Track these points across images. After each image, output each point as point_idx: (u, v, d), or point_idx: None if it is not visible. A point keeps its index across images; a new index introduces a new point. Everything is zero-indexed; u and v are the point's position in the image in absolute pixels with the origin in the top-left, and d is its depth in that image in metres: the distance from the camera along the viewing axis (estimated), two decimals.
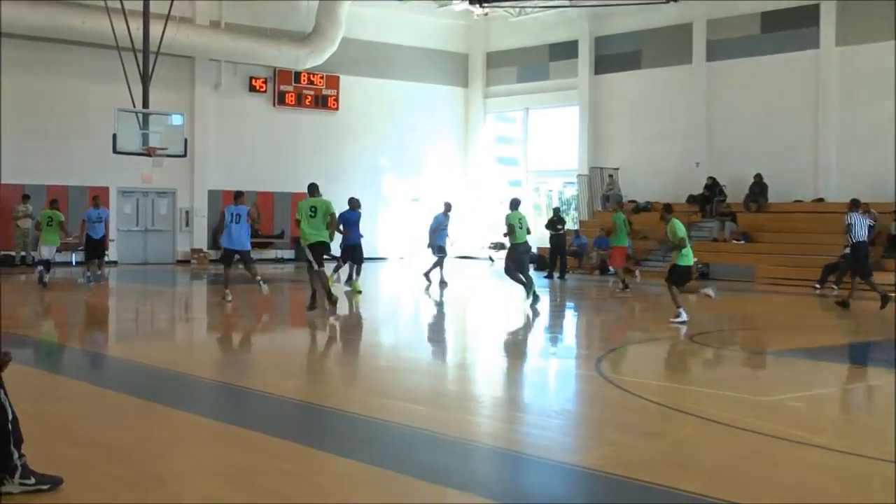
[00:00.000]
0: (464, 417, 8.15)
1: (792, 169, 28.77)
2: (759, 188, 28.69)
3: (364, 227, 28.56)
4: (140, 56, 24.87)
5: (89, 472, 6.14)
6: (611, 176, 33.05)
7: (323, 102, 34.46)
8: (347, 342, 13.84)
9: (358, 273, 21.08)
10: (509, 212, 18.66)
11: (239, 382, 9.64)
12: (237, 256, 18.24)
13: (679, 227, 15.34)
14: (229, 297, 18.34)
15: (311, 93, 34.15)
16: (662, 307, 16.86)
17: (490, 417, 8.22)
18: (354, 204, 21.72)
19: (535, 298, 18.10)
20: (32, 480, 5.60)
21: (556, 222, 26.86)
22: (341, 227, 20.34)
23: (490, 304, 20.52)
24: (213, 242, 19.93)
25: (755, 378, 10.86)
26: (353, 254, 21.12)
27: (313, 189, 17.09)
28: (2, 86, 28.34)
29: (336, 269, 21.11)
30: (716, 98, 30.84)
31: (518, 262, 18.50)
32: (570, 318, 17.86)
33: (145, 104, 24.97)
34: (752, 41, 29.98)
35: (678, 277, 15.34)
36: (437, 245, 23.52)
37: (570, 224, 34.72)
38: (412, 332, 15.37)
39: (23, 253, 28.20)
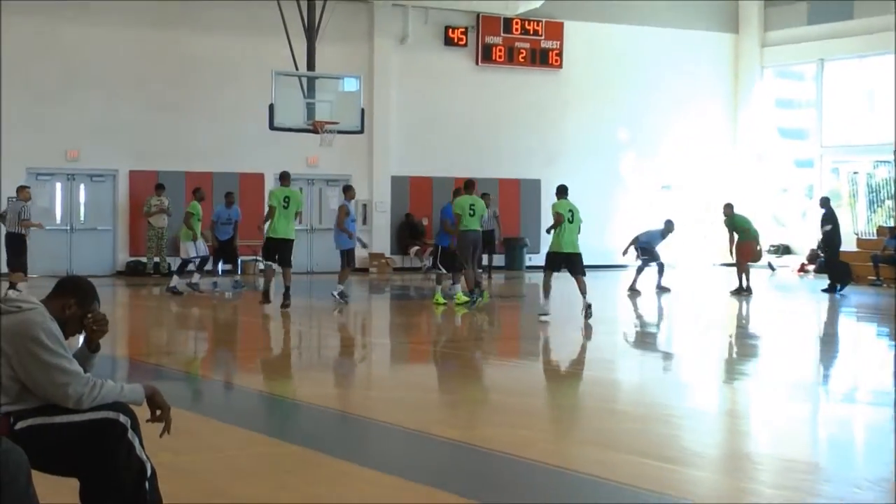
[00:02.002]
0: (733, 483, 7.97)
1: None
2: None
3: (596, 222, 28.65)
4: (304, 4, 25.56)
5: None
6: None
7: (542, 58, 34.58)
8: (566, 378, 13.78)
9: (455, 281, 22.32)
10: (459, 197, 21.42)
11: (429, 429, 9.72)
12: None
13: (559, 205, 19.23)
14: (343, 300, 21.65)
15: (525, 45, 34.34)
16: None
17: (773, 485, 7.97)
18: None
19: (473, 303, 20.93)
20: None
21: (827, 218, 26.06)
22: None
23: (768, 326, 20.05)
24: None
25: None
26: (453, 260, 22.32)
27: (286, 177, 21.11)
28: (120, 46, 29.85)
29: (451, 283, 22.22)
30: None
31: (466, 254, 21.08)
32: (887, 350, 17.22)
33: (310, 65, 25.64)
34: None
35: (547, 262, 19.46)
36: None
37: (885, 219, 33.57)
38: (652, 365, 15.17)
39: (156, 259, 29.47)
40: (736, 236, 25.54)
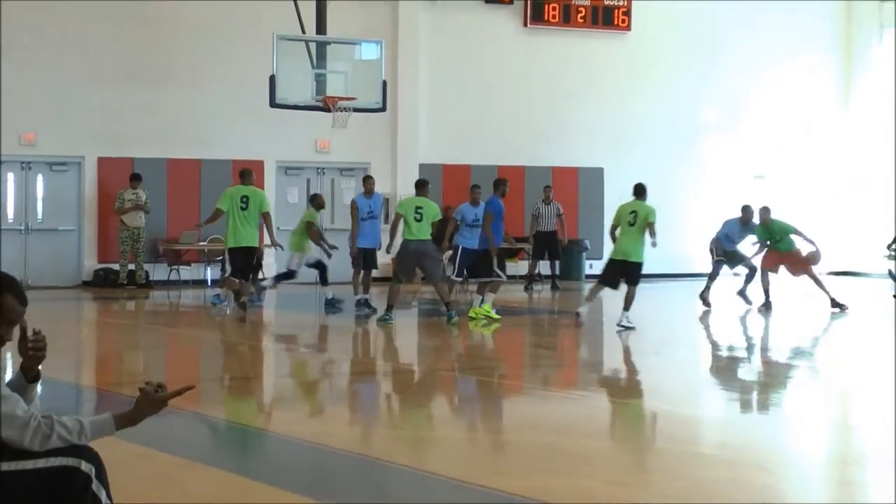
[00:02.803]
0: None
1: None
2: None
3: (672, 222, 28.44)
4: None
5: None
6: None
7: (605, 17, 34.51)
8: (636, 414, 13.74)
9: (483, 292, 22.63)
10: (405, 198, 22.35)
11: (473, 478, 9.63)
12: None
13: (620, 208, 20.90)
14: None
15: (585, 2, 34.29)
16: None
17: None
18: (504, 190, 23.05)
19: (384, 319, 21.24)
20: None
21: None
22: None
23: (875, 351, 19.91)
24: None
25: None
26: (477, 264, 22.75)
27: (245, 175, 22.09)
28: (87, 5, 29.78)
29: (483, 291, 22.54)
30: None
31: (405, 267, 21.61)
32: None
33: (321, 28, 25.62)
34: None
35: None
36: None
37: None
38: (738, 397, 15.08)
39: (131, 266, 29.36)
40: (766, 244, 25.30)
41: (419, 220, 21.11)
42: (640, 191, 20.97)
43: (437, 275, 21.61)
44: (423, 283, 24.60)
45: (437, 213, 21.65)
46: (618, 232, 20.82)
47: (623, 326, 20.22)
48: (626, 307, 20.29)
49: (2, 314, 5.65)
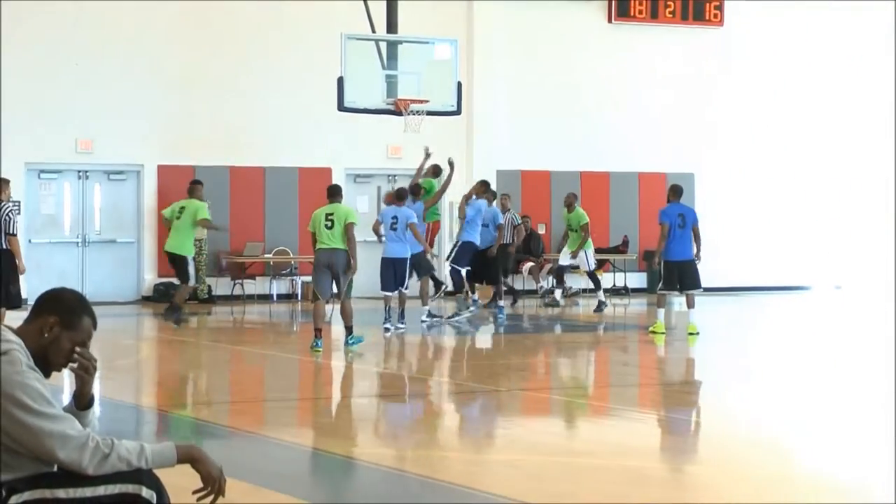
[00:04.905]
0: None
1: None
2: None
3: (770, 230, 28.26)
4: None
5: None
6: None
7: (696, 13, 34.34)
8: (743, 440, 13.64)
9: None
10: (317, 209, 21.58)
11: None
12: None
13: None
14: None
15: None
16: None
17: None
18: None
19: (315, 346, 20.12)
20: None
21: None
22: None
23: None
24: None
25: None
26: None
27: (191, 189, 24.33)
28: (147, 6, 29.96)
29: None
30: None
31: (319, 283, 20.95)
32: None
33: (391, 27, 25.64)
34: None
35: None
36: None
37: None
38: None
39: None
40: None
41: (330, 228, 20.61)
42: None
43: (344, 291, 21.04)
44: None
45: (351, 214, 20.95)
46: None
47: None
48: None
49: (78, 336, 5.69)
